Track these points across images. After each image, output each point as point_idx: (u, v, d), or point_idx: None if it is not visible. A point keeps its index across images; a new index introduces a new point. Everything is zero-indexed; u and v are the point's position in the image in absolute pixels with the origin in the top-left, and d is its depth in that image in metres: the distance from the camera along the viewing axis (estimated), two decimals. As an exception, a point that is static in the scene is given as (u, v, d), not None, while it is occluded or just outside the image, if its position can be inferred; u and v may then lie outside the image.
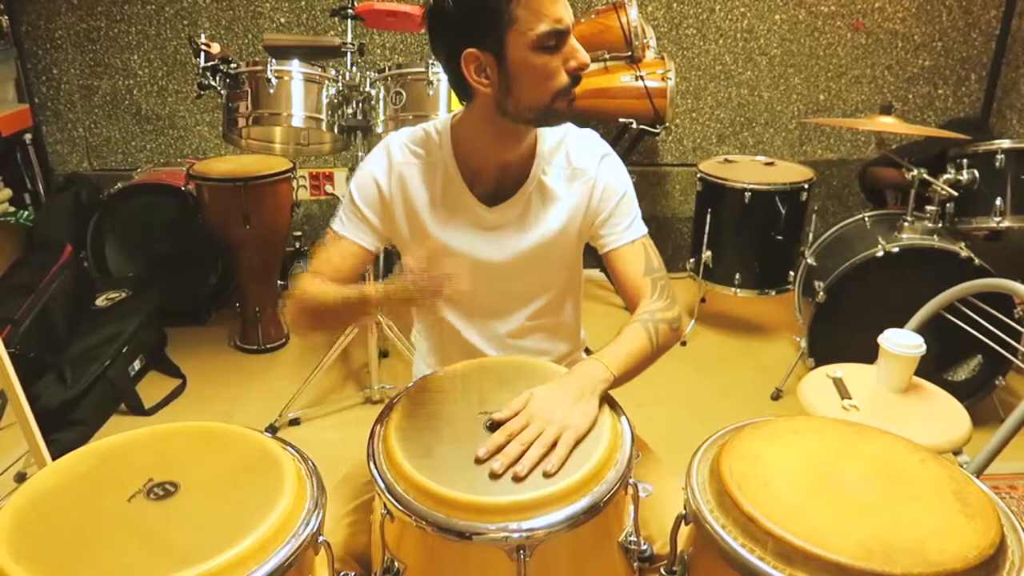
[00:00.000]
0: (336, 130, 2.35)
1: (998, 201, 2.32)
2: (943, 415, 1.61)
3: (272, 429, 2.36)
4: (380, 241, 1.28)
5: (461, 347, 1.34)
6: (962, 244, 2.24)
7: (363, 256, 1.27)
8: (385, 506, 0.93)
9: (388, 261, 2.78)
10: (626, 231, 1.27)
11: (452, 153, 1.23)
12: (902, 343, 1.62)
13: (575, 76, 1.12)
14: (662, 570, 0.98)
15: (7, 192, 3.08)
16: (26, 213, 3.05)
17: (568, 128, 1.27)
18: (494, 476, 0.92)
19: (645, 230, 1.29)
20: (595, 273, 3.18)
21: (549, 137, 1.26)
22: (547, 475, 0.92)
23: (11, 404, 1.73)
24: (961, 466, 1.54)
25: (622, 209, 1.26)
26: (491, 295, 1.31)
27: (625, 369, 1.11)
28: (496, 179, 1.24)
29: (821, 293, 2.34)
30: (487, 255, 1.26)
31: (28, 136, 3.22)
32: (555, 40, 1.08)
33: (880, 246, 2.25)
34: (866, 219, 2.56)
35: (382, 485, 0.94)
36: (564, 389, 1.04)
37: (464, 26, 1.09)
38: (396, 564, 0.95)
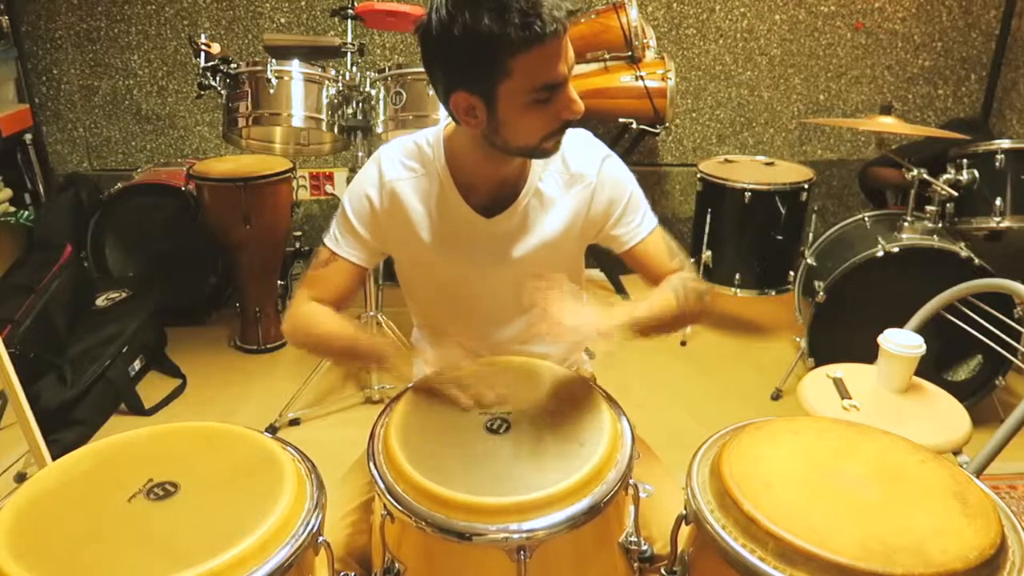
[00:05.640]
0: (336, 130, 2.35)
1: (998, 201, 2.32)
2: (943, 415, 1.61)
3: (272, 429, 2.35)
4: (374, 256, 1.29)
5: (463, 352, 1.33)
6: (962, 244, 2.24)
7: (356, 273, 1.28)
8: (385, 507, 0.93)
9: (388, 263, 2.78)
10: (640, 226, 1.28)
11: (446, 166, 1.22)
12: (902, 343, 1.62)
13: (566, 122, 1.11)
14: (662, 570, 0.98)
15: (7, 192, 3.08)
16: (26, 213, 3.05)
17: None
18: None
19: (656, 219, 1.30)
20: (595, 273, 3.19)
21: None
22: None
23: (11, 404, 1.73)
24: (961, 466, 1.54)
25: (632, 207, 1.27)
26: (493, 302, 1.31)
27: (648, 314, 1.13)
28: (492, 191, 1.23)
29: (821, 293, 2.34)
30: (487, 263, 1.26)
31: (28, 136, 3.22)
32: (549, 94, 1.06)
33: (880, 246, 2.25)
34: (866, 219, 2.56)
35: (382, 486, 0.93)
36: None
37: (457, 68, 1.06)
38: (396, 565, 0.95)
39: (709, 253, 2.83)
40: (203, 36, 2.29)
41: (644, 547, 1.00)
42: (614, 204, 1.26)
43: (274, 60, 2.25)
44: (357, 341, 1.20)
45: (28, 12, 3.17)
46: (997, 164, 2.32)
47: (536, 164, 1.23)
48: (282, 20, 3.23)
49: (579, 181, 1.25)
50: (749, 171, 2.84)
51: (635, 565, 1.01)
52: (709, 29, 3.30)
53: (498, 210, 1.24)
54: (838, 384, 1.70)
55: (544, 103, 1.07)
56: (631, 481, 0.97)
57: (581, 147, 1.26)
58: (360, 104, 2.36)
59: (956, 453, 1.56)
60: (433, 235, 1.25)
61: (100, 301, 2.72)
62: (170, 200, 2.94)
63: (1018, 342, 2.01)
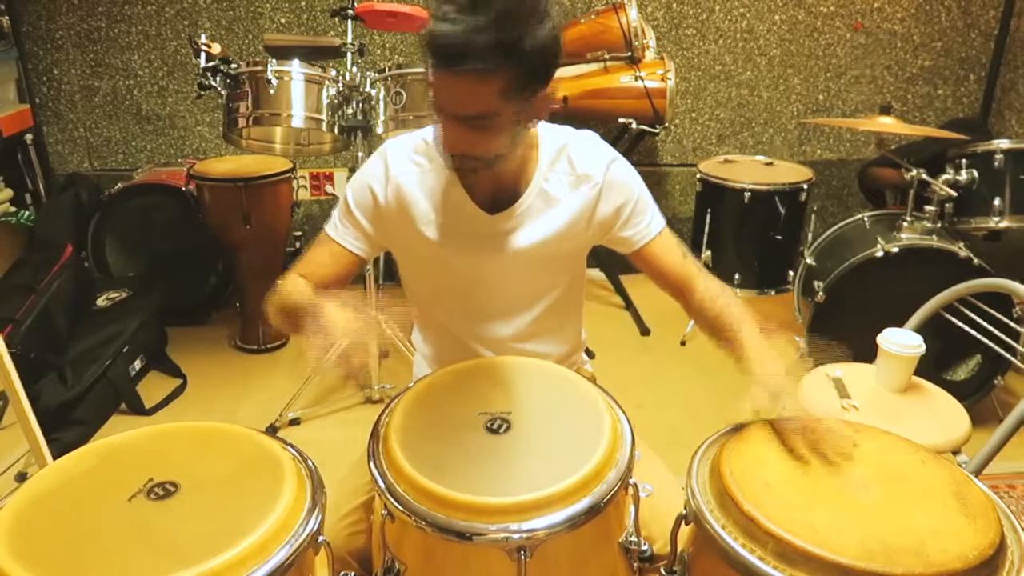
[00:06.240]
0: (336, 130, 2.34)
1: (997, 201, 2.32)
2: (942, 415, 1.61)
3: (272, 429, 2.35)
4: (372, 248, 1.28)
5: (464, 350, 1.34)
6: (961, 244, 2.24)
7: (351, 261, 1.27)
8: (386, 506, 0.93)
9: (388, 262, 2.78)
10: (649, 226, 1.28)
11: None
12: (901, 343, 1.62)
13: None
14: (662, 570, 0.98)
15: (8, 192, 3.08)
16: (27, 213, 3.05)
17: (569, 134, 1.26)
18: None
19: (664, 220, 1.31)
20: (595, 273, 3.19)
21: (550, 145, 1.25)
22: None
23: (12, 404, 1.73)
24: (960, 466, 1.54)
25: (639, 208, 1.27)
26: (494, 299, 1.31)
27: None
28: (495, 188, 1.23)
29: (820, 293, 2.34)
30: (490, 260, 1.26)
31: (29, 136, 3.21)
32: (441, 118, 1.11)
33: (879, 246, 2.25)
34: (865, 219, 2.56)
35: (382, 485, 0.94)
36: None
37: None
38: (396, 564, 0.95)
39: (709, 253, 2.83)
40: (203, 36, 2.29)
41: (644, 547, 1.00)
42: (622, 207, 1.26)
43: (274, 60, 2.24)
44: (305, 304, 1.12)
45: (28, 12, 3.17)
46: (996, 164, 2.32)
47: (542, 164, 1.24)
48: (282, 20, 3.23)
49: (585, 182, 1.25)
50: (749, 171, 2.84)
51: (635, 565, 1.01)
52: (709, 29, 3.30)
53: (502, 207, 1.24)
54: (838, 384, 1.70)
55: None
56: (631, 481, 0.97)
57: (588, 149, 1.26)
58: (360, 104, 2.36)
59: (956, 453, 1.56)
60: (437, 230, 1.25)
61: (100, 301, 2.72)
62: (170, 200, 2.94)
63: (1017, 342, 2.01)
